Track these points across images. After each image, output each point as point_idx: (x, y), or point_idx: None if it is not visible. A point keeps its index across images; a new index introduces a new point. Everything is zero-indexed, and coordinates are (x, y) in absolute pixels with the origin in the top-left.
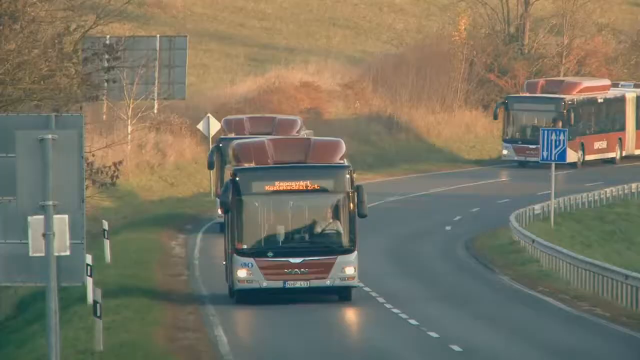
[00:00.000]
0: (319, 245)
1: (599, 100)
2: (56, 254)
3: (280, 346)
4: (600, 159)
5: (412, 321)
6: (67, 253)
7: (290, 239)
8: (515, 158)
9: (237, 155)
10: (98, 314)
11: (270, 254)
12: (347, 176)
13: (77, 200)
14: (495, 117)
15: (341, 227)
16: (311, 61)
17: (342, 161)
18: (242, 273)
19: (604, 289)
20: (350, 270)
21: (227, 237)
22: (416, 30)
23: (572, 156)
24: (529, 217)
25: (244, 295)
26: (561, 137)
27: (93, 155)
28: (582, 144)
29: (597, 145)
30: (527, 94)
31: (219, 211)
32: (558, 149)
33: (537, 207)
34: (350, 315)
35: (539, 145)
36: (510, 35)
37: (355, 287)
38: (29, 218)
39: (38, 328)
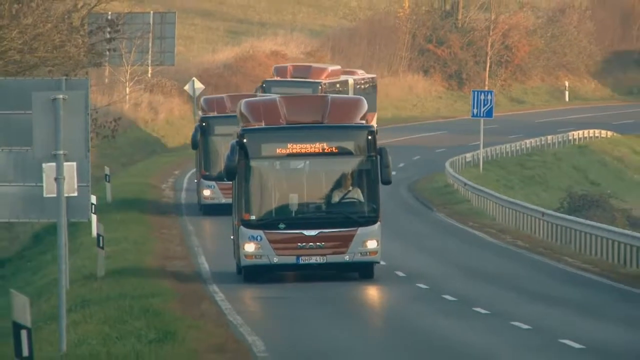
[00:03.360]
0: (337, 216)
1: (337, 86)
2: (66, 194)
3: None
4: None
5: None
6: (75, 194)
7: (305, 209)
8: None
9: (244, 115)
10: (101, 245)
11: (281, 225)
12: (369, 138)
13: (83, 149)
14: None
15: (362, 195)
16: (279, 33)
17: (362, 121)
18: (249, 247)
19: (524, 224)
20: (372, 244)
21: (234, 207)
22: (367, 7)
23: None
24: (461, 164)
25: (252, 272)
26: (489, 97)
27: (97, 112)
28: None
29: None
30: (279, 78)
31: (205, 192)
32: (486, 107)
33: (468, 156)
34: None
35: None
36: (446, 11)
37: (377, 263)
38: (43, 165)
39: (50, 257)
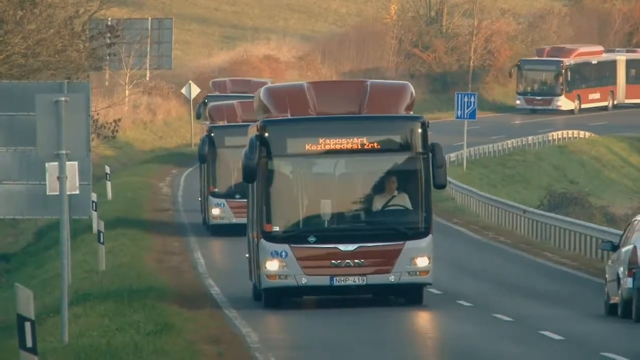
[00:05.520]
0: (379, 227)
1: None
2: (68, 192)
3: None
4: None
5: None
6: (77, 192)
7: (340, 219)
8: None
9: (265, 104)
10: (101, 241)
11: (312, 238)
12: (419, 131)
13: (84, 149)
14: (199, 117)
15: (410, 201)
16: (272, 38)
17: (409, 112)
18: (272, 265)
19: (506, 221)
20: (422, 262)
21: (251, 217)
22: (356, 14)
23: None
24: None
25: (275, 296)
26: (472, 99)
27: (97, 114)
28: None
29: None
30: (219, 93)
31: (214, 211)
32: (469, 109)
33: (453, 155)
34: None
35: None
36: (431, 18)
37: (428, 284)
38: (47, 164)
39: (53, 252)
